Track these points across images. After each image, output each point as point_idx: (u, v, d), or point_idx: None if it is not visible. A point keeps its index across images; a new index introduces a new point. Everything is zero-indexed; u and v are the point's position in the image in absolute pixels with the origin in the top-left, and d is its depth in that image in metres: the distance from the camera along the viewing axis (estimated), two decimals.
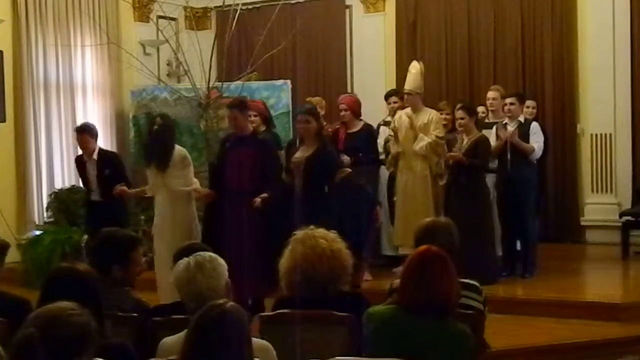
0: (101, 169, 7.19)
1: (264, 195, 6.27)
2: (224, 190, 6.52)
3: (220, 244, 6.24)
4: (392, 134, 7.50)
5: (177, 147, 6.64)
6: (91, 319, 2.53)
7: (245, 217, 6.31)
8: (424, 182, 7.29)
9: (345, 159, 7.07)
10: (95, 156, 7.25)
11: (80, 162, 7.43)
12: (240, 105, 6.67)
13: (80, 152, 7.66)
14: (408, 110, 7.47)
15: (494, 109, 7.87)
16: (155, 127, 6.58)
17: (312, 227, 3.75)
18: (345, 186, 6.46)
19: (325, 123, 7.82)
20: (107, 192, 7.06)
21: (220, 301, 2.63)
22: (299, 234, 3.69)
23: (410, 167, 7.35)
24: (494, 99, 7.86)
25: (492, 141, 7.30)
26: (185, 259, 3.31)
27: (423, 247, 3.32)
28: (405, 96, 7.48)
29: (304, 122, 6.44)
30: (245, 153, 6.46)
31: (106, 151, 7.65)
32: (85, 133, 7.28)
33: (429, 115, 7.38)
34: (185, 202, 6.66)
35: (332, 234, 3.70)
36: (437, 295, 3.13)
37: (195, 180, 6.76)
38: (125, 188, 7.03)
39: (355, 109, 7.74)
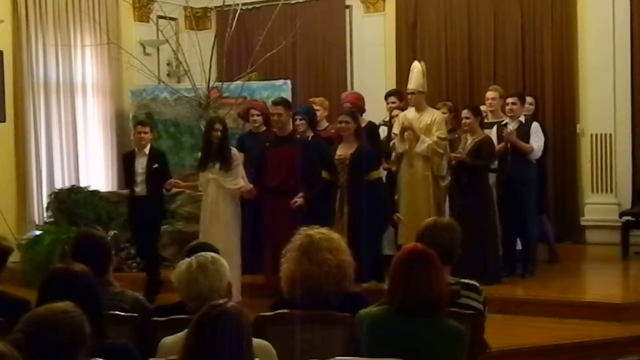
0: (150, 163, 7.42)
1: (302, 194, 6.58)
2: (265, 188, 6.85)
3: (259, 242, 6.74)
4: (396, 132, 7.47)
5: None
6: (84, 319, 2.52)
7: (285, 215, 6.50)
8: (425, 182, 7.27)
9: None
10: (147, 150, 7.47)
11: (129, 158, 7.61)
12: (285, 103, 7.10)
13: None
14: (412, 110, 7.45)
15: (493, 109, 7.85)
16: (217, 132, 6.95)
17: (316, 227, 3.72)
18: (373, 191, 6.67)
19: (328, 124, 7.84)
20: (152, 186, 7.36)
21: (221, 301, 2.62)
22: (304, 239, 3.61)
23: (412, 167, 7.34)
24: (492, 98, 7.84)
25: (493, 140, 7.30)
26: (187, 259, 3.30)
27: (409, 246, 3.30)
28: (410, 96, 7.45)
29: (344, 123, 6.69)
30: (286, 152, 6.77)
31: (156, 148, 7.86)
32: (146, 125, 7.65)
33: (432, 115, 7.35)
34: (233, 199, 7.04)
35: (338, 240, 3.64)
36: (425, 294, 3.10)
37: (242, 179, 7.06)
38: (178, 181, 7.55)
39: (361, 105, 7.76)
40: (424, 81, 7.43)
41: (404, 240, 7.30)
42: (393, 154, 7.49)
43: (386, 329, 3.13)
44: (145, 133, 7.49)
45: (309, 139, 7.35)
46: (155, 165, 7.39)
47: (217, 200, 7.01)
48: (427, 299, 3.11)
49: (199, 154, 7.31)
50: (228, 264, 7.43)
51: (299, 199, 6.60)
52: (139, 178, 7.40)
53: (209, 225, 6.99)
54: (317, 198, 6.69)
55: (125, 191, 9.13)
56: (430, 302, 3.11)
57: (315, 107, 7.91)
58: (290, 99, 9.15)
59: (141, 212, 7.33)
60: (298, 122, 7.54)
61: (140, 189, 7.40)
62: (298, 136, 7.06)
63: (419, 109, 7.38)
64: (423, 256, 3.19)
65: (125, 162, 7.68)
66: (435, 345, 3.09)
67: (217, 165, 6.96)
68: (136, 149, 7.54)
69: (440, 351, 3.09)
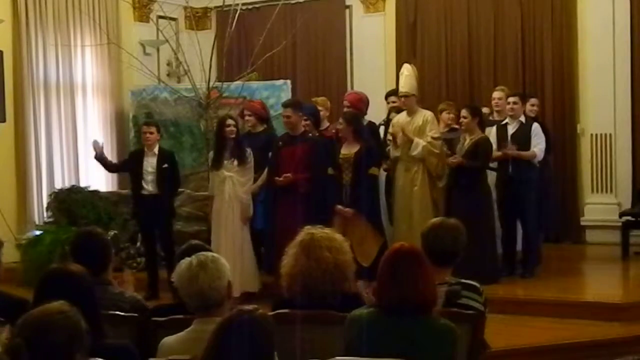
0: (160, 163, 7.45)
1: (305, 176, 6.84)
2: (275, 186, 7.02)
3: (270, 239, 6.86)
4: (390, 138, 7.48)
5: None
6: (80, 317, 2.52)
7: (294, 213, 6.55)
8: (422, 184, 7.26)
9: None
10: (156, 150, 7.50)
11: (136, 156, 7.64)
12: (294, 104, 7.25)
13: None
14: (403, 114, 7.46)
15: (499, 109, 7.86)
16: (230, 127, 7.06)
17: (319, 226, 3.72)
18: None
19: (329, 124, 7.85)
20: (162, 185, 7.39)
21: (250, 307, 2.60)
22: (305, 237, 3.60)
23: (407, 171, 7.32)
24: (499, 98, 7.82)
25: (492, 141, 7.29)
26: (188, 259, 3.29)
27: (395, 246, 3.26)
28: (402, 99, 7.46)
29: (339, 125, 7.03)
30: (297, 150, 6.95)
31: (165, 149, 7.87)
32: (152, 125, 7.65)
33: (423, 116, 7.36)
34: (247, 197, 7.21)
35: (340, 241, 3.63)
36: (411, 294, 3.06)
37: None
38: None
39: (359, 106, 7.74)
40: (416, 84, 7.44)
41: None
42: (388, 159, 7.51)
43: (375, 331, 3.07)
44: (150, 133, 7.50)
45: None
46: (165, 165, 7.43)
47: (234, 197, 7.09)
48: (413, 299, 3.06)
49: (211, 154, 7.35)
50: (245, 260, 7.52)
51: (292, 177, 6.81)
52: (149, 177, 7.44)
53: (226, 223, 7.08)
54: (325, 195, 6.83)
55: (126, 191, 9.16)
56: (417, 302, 3.07)
57: (318, 107, 7.91)
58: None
59: (150, 210, 7.34)
60: (303, 122, 7.57)
61: (151, 188, 7.43)
62: (310, 135, 7.17)
63: (411, 112, 7.39)
64: (409, 256, 3.15)
65: (131, 159, 7.69)
66: (425, 345, 3.03)
67: (235, 162, 7.08)
68: (145, 149, 7.58)
69: (430, 351, 3.03)
